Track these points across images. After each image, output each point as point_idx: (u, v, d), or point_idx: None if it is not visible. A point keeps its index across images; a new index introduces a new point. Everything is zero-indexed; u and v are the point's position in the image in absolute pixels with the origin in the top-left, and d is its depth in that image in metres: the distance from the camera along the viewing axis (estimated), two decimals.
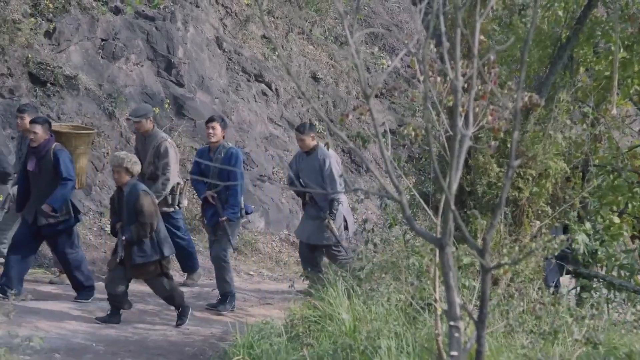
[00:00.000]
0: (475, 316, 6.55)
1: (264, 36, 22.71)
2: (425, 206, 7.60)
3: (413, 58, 7.27)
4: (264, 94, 22.07)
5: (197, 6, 21.50)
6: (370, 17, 24.67)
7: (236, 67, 21.87)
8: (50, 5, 19.18)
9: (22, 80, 18.43)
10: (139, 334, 12.44)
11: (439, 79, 7.49)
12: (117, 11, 20.26)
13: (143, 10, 20.55)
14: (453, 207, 6.33)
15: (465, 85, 6.66)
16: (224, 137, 13.89)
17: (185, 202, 15.53)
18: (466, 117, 6.44)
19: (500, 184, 11.76)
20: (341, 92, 23.19)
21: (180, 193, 15.09)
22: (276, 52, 22.17)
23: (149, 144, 14.82)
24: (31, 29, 18.77)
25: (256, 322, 11.29)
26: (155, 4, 19.71)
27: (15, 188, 14.04)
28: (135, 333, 12.47)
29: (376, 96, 22.59)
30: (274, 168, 20.67)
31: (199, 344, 12.04)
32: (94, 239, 16.93)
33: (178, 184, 15.05)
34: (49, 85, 18.65)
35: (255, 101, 21.73)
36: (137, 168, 12.42)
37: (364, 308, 10.39)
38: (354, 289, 10.85)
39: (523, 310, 10.39)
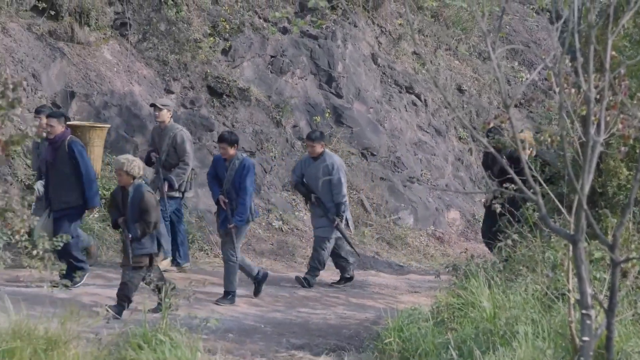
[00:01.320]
0: (605, 305, 6.46)
1: (414, 52, 22.60)
2: (560, 206, 7.50)
3: (550, 72, 7.21)
4: (414, 104, 21.98)
5: (355, 26, 21.50)
6: (510, 35, 24.37)
7: (389, 80, 21.80)
8: (227, 26, 19.41)
9: (202, 92, 18.71)
10: (301, 317, 12.50)
11: (573, 90, 7.40)
12: (284, 31, 20.39)
13: (307, 30, 20.63)
14: (585, 206, 6.26)
15: (598, 97, 6.58)
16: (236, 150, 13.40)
17: (191, 194, 15.17)
18: (598, 125, 6.37)
19: (629, 185, 11.53)
20: (483, 102, 22.96)
21: (188, 181, 14.73)
22: (425, 67, 22.03)
23: (166, 134, 14.50)
24: (210, 47, 19.03)
25: (406, 308, 11.25)
26: (318, 25, 19.78)
27: (39, 183, 13.78)
28: (299, 316, 12.54)
29: (515, 106, 22.30)
30: (422, 170, 20.57)
31: (355, 327, 12.04)
32: (263, 233, 17.10)
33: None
34: (224, 96, 18.88)
35: (406, 110, 21.64)
36: (136, 170, 11.97)
37: (503, 297, 10.28)
38: (494, 279, 10.75)
39: None
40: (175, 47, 18.61)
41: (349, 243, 14.85)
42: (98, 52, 17.86)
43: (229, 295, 13.02)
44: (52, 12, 17.37)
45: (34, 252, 8.82)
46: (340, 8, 20.90)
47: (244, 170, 13.15)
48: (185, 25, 18.73)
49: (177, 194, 14.60)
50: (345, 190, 14.40)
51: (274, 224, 17.42)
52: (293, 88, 20.10)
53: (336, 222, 14.36)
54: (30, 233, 11.80)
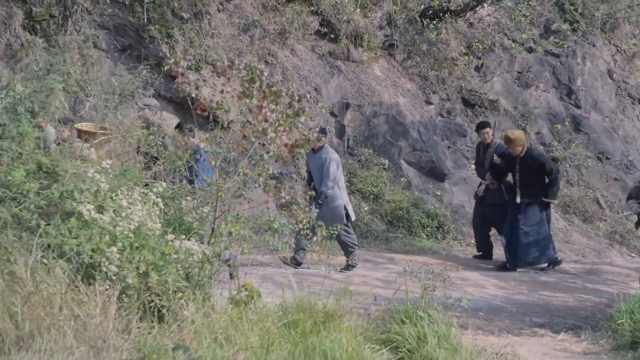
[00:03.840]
0: None
1: None
2: None
3: None
4: None
5: (594, 45, 21.00)
6: None
7: (623, 93, 21.18)
8: (480, 46, 19.29)
9: (457, 103, 18.65)
10: (543, 299, 12.12)
11: None
12: (530, 50, 20.14)
13: (550, 50, 20.29)
14: None
15: None
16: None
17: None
18: None
19: None
20: None
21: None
22: None
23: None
24: (465, 65, 18.95)
25: (637, 293, 10.71)
26: (561, 45, 19.30)
27: None
28: (540, 298, 12.17)
29: None
30: None
31: (590, 309, 11.56)
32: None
33: None
34: (476, 107, 18.80)
35: (638, 120, 20.93)
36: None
37: None
38: None
39: None
40: (434, 64, 18.63)
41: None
42: (369, 69, 18.02)
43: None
44: (332, 36, 17.65)
45: (314, 239, 8.88)
46: (581, 30, 20.45)
47: (197, 153, 11.77)
48: (444, 45, 18.74)
49: None
50: (330, 182, 12.74)
51: None
52: (537, 100, 19.86)
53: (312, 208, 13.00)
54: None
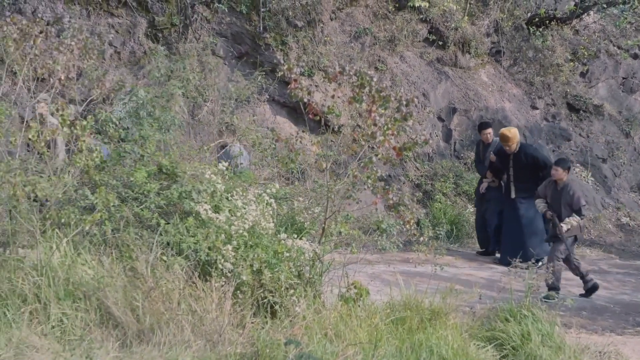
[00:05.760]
0: None
1: None
2: None
3: None
4: None
5: None
6: None
7: None
8: (585, 52, 18.94)
9: (562, 108, 18.35)
10: None
11: None
12: (635, 56, 19.74)
13: None
14: None
15: None
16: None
17: None
18: None
19: None
20: None
21: None
22: None
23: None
24: (570, 71, 18.64)
25: None
26: None
27: None
28: None
29: None
30: None
31: None
32: (612, 228, 16.38)
33: None
34: (581, 112, 18.49)
35: None
36: None
37: None
38: None
39: None
40: (540, 70, 18.33)
41: None
42: (476, 75, 17.80)
43: None
44: (440, 43, 17.49)
45: (421, 239, 8.75)
46: None
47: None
48: (550, 52, 18.42)
49: None
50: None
51: (622, 220, 16.65)
52: None
53: None
54: (418, 222, 11.74)
